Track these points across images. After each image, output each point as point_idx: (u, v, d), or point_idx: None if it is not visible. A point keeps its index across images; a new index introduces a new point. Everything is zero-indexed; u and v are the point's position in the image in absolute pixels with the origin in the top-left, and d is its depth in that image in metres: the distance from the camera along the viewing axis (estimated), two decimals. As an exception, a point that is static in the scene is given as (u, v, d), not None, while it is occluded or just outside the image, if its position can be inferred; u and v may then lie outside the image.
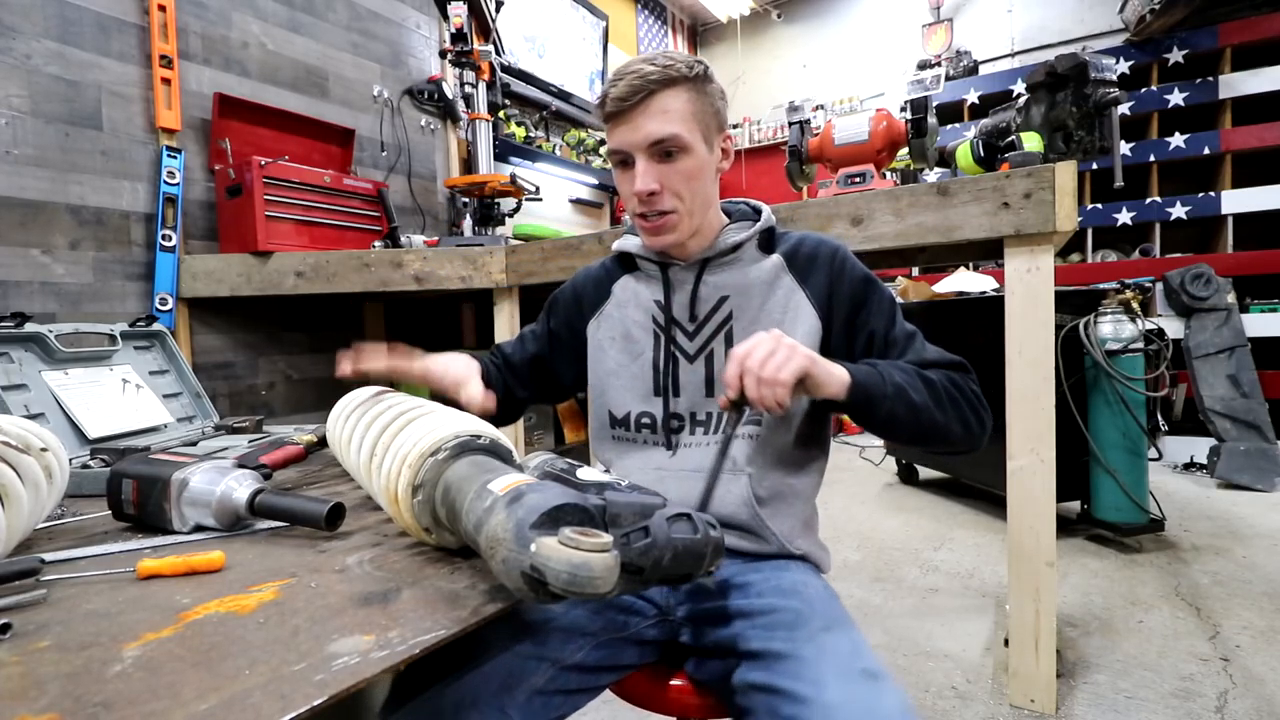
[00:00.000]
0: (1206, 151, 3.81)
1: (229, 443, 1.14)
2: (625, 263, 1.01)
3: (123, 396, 1.23)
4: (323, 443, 0.99)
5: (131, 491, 0.70)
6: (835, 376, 0.76)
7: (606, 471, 0.90)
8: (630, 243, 0.98)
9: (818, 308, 0.89)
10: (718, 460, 0.72)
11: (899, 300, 3.57)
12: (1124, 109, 3.87)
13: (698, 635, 0.82)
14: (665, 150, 0.84)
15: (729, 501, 0.87)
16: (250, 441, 1.13)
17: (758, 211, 0.97)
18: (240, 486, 0.69)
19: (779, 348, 0.72)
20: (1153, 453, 2.46)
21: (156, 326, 1.41)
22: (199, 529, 0.69)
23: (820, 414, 0.92)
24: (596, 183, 3.84)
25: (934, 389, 0.81)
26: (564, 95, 3.85)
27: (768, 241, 0.94)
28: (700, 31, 6.07)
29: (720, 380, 0.89)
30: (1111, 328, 2.45)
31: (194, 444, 1.17)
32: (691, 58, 0.86)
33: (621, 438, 0.96)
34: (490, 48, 2.35)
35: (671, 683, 0.83)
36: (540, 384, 1.09)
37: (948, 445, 0.84)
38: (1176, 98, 3.88)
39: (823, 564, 0.92)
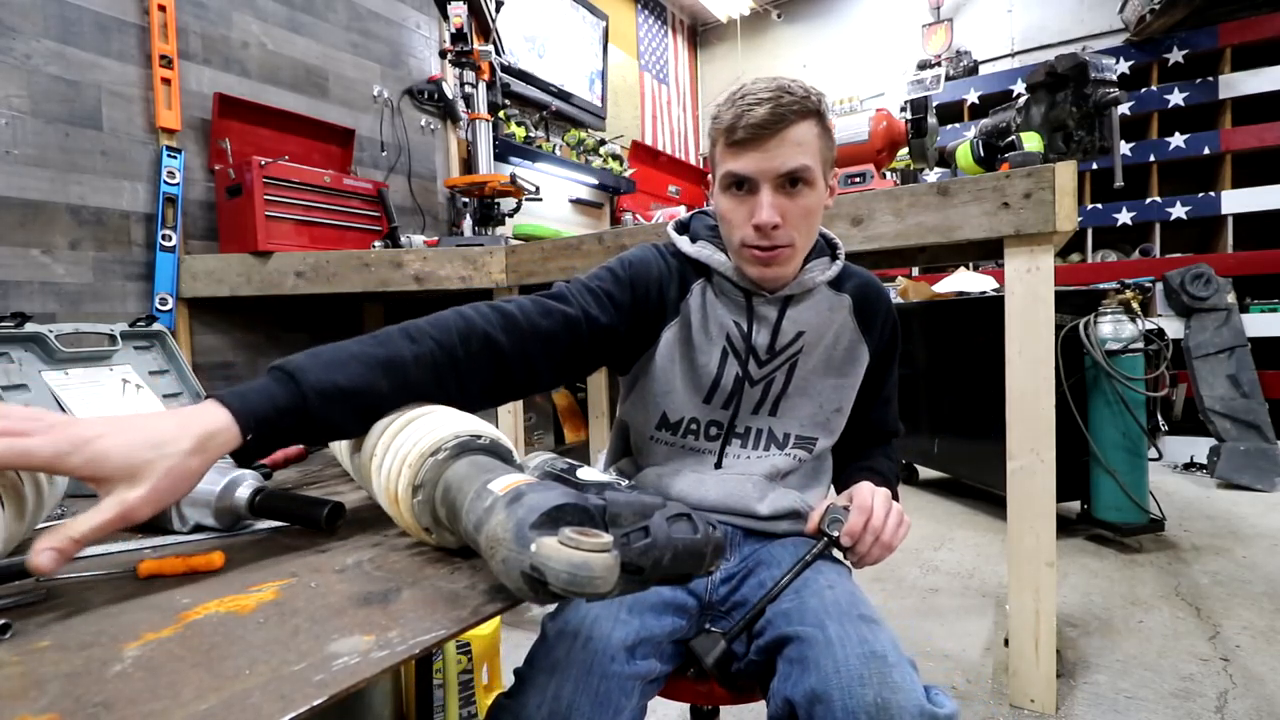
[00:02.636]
0: (1206, 151, 3.81)
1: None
2: (698, 269, 0.95)
3: (123, 397, 1.22)
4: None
5: None
6: None
7: (606, 471, 0.91)
8: (711, 255, 0.93)
9: (871, 350, 0.98)
10: (791, 576, 0.80)
11: (899, 300, 3.57)
12: (1124, 109, 3.87)
13: (731, 621, 0.87)
14: (792, 181, 0.83)
15: (782, 501, 0.94)
16: (250, 441, 1.13)
17: (831, 246, 0.99)
18: (240, 486, 0.69)
19: (892, 511, 0.85)
20: (1153, 453, 2.46)
21: (156, 326, 1.41)
22: (199, 529, 0.69)
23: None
24: (596, 183, 3.84)
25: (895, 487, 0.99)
26: (564, 95, 3.85)
27: (837, 276, 0.97)
28: (700, 31, 6.07)
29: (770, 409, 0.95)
30: (1111, 328, 2.45)
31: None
32: (814, 89, 0.85)
33: (663, 440, 0.95)
34: (490, 48, 2.35)
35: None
36: (586, 360, 0.88)
37: None
38: (1176, 98, 3.88)
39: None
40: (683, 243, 0.95)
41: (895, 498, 0.91)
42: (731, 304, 0.93)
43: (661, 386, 0.93)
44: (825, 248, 0.98)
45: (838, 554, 0.87)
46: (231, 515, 0.68)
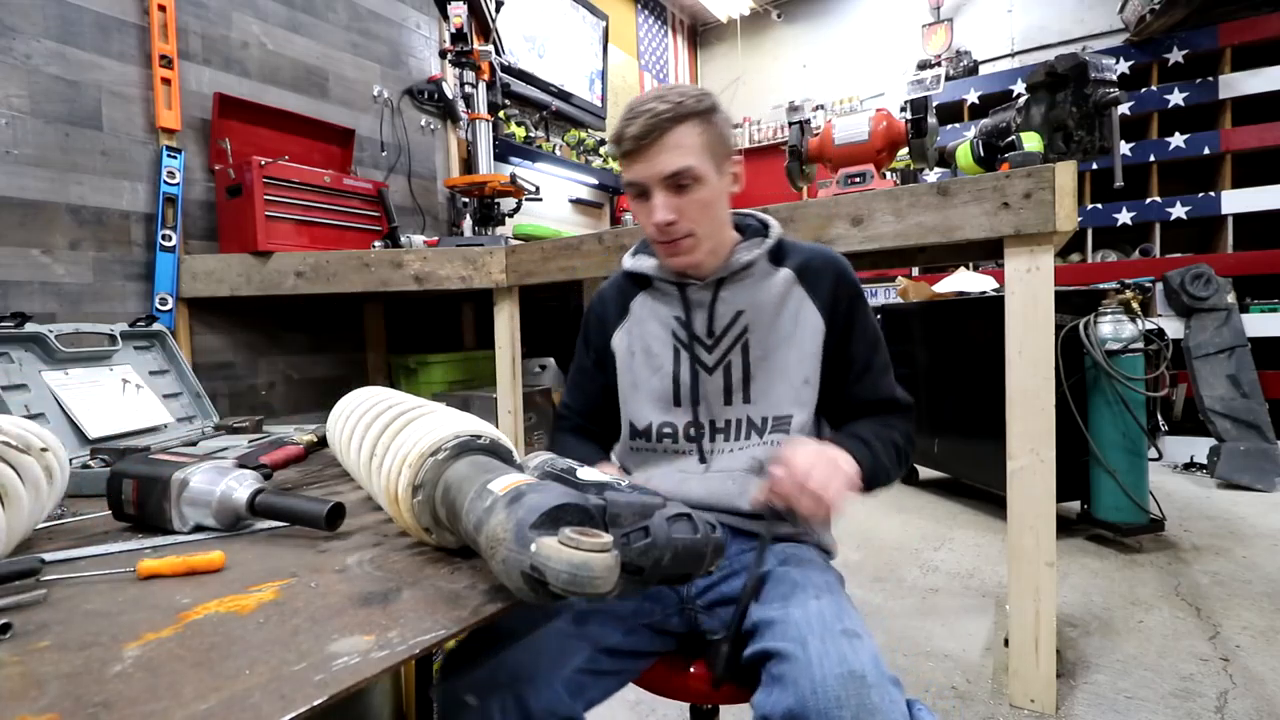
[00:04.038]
0: (1206, 151, 3.81)
1: (229, 443, 1.14)
2: (639, 281, 1.04)
3: (123, 397, 1.23)
4: (323, 443, 0.99)
5: (132, 491, 0.70)
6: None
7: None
8: (645, 264, 1.02)
9: (823, 312, 0.95)
10: (757, 562, 0.81)
11: (899, 300, 3.57)
12: (1124, 109, 3.87)
13: (714, 621, 0.87)
14: (680, 182, 0.89)
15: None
16: (250, 441, 1.13)
17: (766, 226, 1.01)
18: (240, 486, 0.69)
19: (820, 459, 0.80)
20: (1153, 453, 2.46)
21: (156, 327, 1.41)
22: (199, 529, 0.69)
23: (820, 424, 1.00)
24: (596, 183, 3.84)
25: (898, 455, 0.93)
26: (564, 95, 3.85)
27: (777, 254, 0.98)
28: (700, 31, 6.07)
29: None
30: (1111, 328, 2.45)
31: (194, 444, 1.17)
32: (699, 90, 0.91)
33: (641, 448, 1.00)
34: (490, 48, 2.35)
35: (690, 670, 0.86)
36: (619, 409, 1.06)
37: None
38: (1176, 98, 3.88)
39: (832, 550, 0.99)
40: (626, 260, 1.05)
41: (885, 465, 0.89)
42: (669, 299, 1.00)
43: (625, 394, 1.02)
44: (759, 228, 1.01)
45: (820, 544, 0.88)
46: (231, 515, 0.68)
